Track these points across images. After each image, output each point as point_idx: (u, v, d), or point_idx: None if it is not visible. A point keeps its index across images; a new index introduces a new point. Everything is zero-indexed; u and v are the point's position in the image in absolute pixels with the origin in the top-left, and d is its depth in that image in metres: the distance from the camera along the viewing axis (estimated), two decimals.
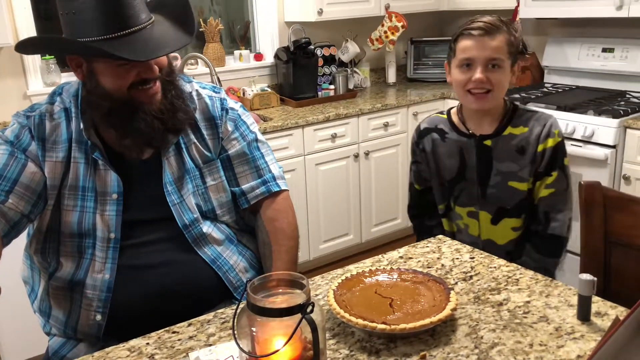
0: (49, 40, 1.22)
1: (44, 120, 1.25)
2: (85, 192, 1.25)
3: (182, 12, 1.25)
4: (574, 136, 2.58)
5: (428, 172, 1.68)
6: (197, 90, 1.38)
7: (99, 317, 1.25)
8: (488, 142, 1.56)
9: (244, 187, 1.40)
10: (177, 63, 2.99)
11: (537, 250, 1.57)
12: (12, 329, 2.28)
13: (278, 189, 1.42)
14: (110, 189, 1.25)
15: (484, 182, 1.58)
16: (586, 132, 2.53)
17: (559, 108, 2.67)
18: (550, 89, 3.10)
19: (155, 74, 1.21)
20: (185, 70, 3.08)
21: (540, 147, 1.52)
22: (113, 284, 1.25)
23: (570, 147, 2.58)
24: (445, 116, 1.65)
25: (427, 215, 1.74)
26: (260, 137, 1.45)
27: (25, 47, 1.19)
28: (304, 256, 3.03)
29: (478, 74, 1.46)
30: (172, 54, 2.85)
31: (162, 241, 1.29)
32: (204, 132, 1.35)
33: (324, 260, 3.14)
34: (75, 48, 1.18)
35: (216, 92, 1.41)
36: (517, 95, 2.88)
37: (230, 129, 1.39)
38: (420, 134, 1.68)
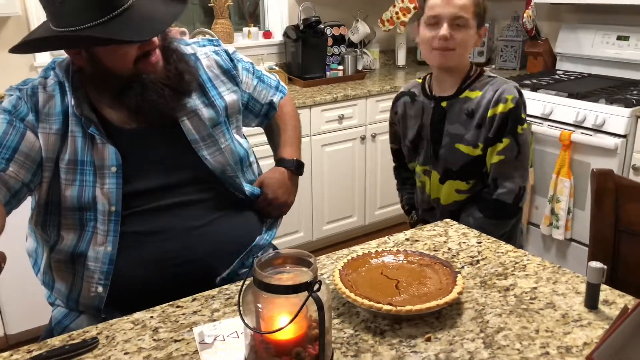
0: (46, 40, 1.19)
1: (36, 92, 1.24)
2: (84, 166, 1.24)
3: None
4: (584, 124, 2.55)
5: (400, 133, 1.77)
6: (199, 50, 1.40)
7: (100, 289, 1.25)
8: (444, 104, 1.61)
9: (268, 102, 1.54)
10: (185, 38, 2.96)
11: (479, 209, 1.60)
12: (15, 299, 2.29)
13: (286, 92, 1.62)
14: (108, 162, 1.24)
15: (436, 142, 1.63)
16: (597, 120, 2.50)
17: (570, 95, 2.64)
18: (562, 76, 3.06)
19: (156, 44, 1.21)
20: None
21: (490, 113, 1.53)
22: (115, 256, 1.25)
23: (579, 136, 2.56)
24: (420, 80, 1.71)
25: (403, 168, 1.87)
26: (249, 60, 1.55)
27: (23, 47, 1.18)
28: (307, 236, 3.03)
29: (443, 30, 1.49)
30: (181, 29, 2.81)
31: (161, 210, 1.28)
32: (218, 88, 1.39)
33: (327, 242, 3.14)
34: (76, 42, 1.16)
35: (216, 45, 1.46)
36: (527, 82, 2.84)
37: (249, 78, 1.49)
38: (397, 97, 1.77)
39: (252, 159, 1.50)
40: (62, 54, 1.26)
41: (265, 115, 1.58)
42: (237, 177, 1.38)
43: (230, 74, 1.42)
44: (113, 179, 1.24)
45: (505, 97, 1.52)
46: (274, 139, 1.58)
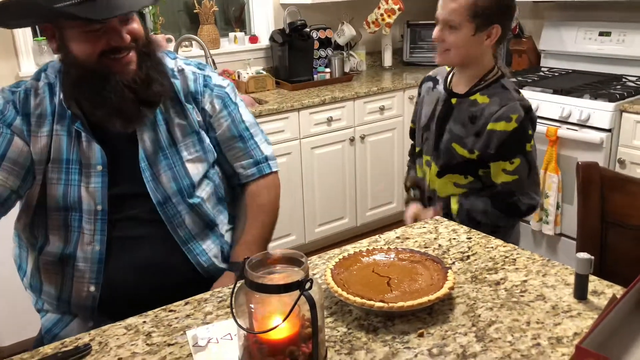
0: (18, 4, 1.18)
1: (29, 96, 1.24)
2: (69, 164, 1.24)
3: None
4: (570, 120, 2.58)
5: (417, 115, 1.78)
6: (180, 66, 1.36)
7: (92, 288, 1.25)
8: (453, 101, 1.62)
9: (236, 167, 1.42)
10: (171, 45, 2.96)
11: (490, 198, 1.58)
12: (5, 311, 2.27)
13: (269, 171, 1.44)
14: (94, 160, 1.24)
15: (439, 136, 1.64)
16: (582, 115, 2.53)
17: (555, 92, 2.67)
18: (547, 72, 3.09)
19: (126, 42, 1.19)
20: (179, 52, 3.05)
21: (489, 126, 1.51)
22: (104, 255, 1.24)
23: (565, 131, 2.58)
24: (448, 68, 1.71)
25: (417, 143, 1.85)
26: (248, 117, 1.43)
27: None
28: (299, 239, 3.03)
29: (434, 33, 1.55)
30: (167, 36, 2.78)
31: (145, 217, 1.28)
32: (186, 105, 1.33)
33: (320, 244, 3.15)
34: (35, 11, 1.14)
35: (200, 69, 1.39)
36: (513, 80, 2.86)
37: (218, 107, 1.38)
38: (424, 79, 1.78)
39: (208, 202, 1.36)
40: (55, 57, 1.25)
41: (229, 181, 1.44)
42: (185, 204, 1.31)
43: (194, 97, 1.34)
44: (98, 178, 1.24)
45: (510, 115, 1.49)
46: (236, 231, 1.42)
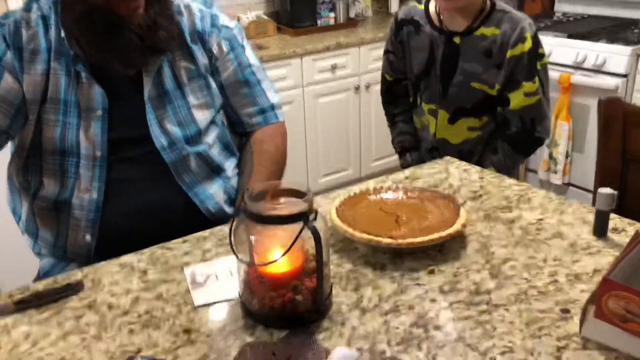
0: None
1: (19, 29, 1.15)
2: (67, 106, 1.16)
3: None
4: (584, 65, 2.48)
5: (402, 65, 1.65)
6: (185, 2, 1.26)
7: (88, 237, 1.20)
8: (457, 40, 1.51)
9: (241, 115, 1.34)
10: None
11: (514, 148, 1.55)
12: (5, 256, 2.24)
13: (275, 120, 1.36)
14: (94, 104, 1.16)
15: (446, 80, 1.54)
16: (597, 60, 2.42)
17: (570, 36, 2.55)
18: (561, 17, 2.96)
19: None
20: None
21: (509, 53, 1.45)
22: (102, 203, 1.18)
23: (579, 77, 2.48)
24: (422, 7, 1.59)
25: (393, 103, 1.75)
26: (255, 61, 1.35)
27: None
28: None
29: None
30: None
31: (146, 160, 1.21)
32: (192, 46, 1.25)
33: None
34: None
35: (207, 7, 1.30)
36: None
37: (225, 49, 1.29)
38: (398, 25, 1.62)
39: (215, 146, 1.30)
40: None
41: (233, 127, 1.36)
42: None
43: (201, 37, 1.26)
44: (98, 122, 1.16)
45: (524, 35, 1.44)
46: (241, 180, 1.34)
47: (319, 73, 2.85)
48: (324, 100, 2.92)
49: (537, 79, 1.47)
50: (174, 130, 1.21)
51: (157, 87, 1.20)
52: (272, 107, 1.36)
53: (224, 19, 1.30)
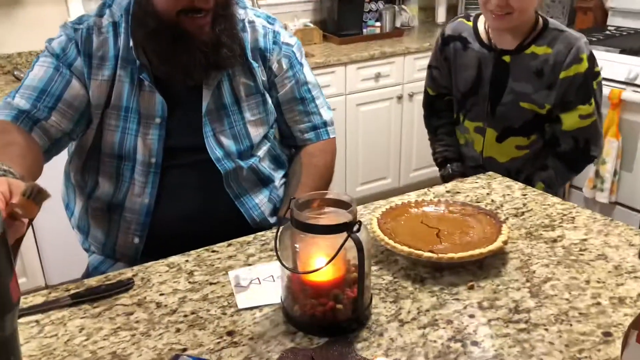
0: None
1: (91, 35, 1.20)
2: (128, 112, 1.21)
3: None
4: (637, 82, 2.41)
5: (446, 80, 1.64)
6: (250, 18, 1.30)
7: (137, 240, 1.25)
8: (507, 58, 1.49)
9: (293, 130, 1.37)
10: None
11: (567, 166, 1.53)
12: (54, 250, 2.34)
13: (327, 137, 1.40)
14: (154, 112, 1.20)
15: (495, 99, 1.52)
16: None
17: (622, 52, 2.50)
18: (614, 31, 2.89)
19: (210, 5, 1.13)
20: None
21: (563, 74, 1.42)
22: (153, 207, 1.23)
23: (630, 94, 2.43)
24: (470, 23, 1.57)
25: (435, 116, 1.74)
26: (312, 78, 1.38)
27: None
28: None
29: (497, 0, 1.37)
30: None
31: (198, 167, 1.25)
32: (252, 62, 1.28)
33: (361, 203, 3.10)
34: None
35: (270, 23, 1.33)
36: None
37: (285, 66, 1.32)
38: (445, 40, 1.60)
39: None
40: None
41: (284, 141, 1.40)
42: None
43: (263, 54, 1.29)
44: (156, 130, 1.21)
45: (580, 57, 1.41)
46: (287, 190, 1.38)
47: (362, 81, 2.87)
48: (366, 108, 2.94)
49: (593, 100, 1.44)
50: (229, 143, 1.25)
51: (215, 100, 1.24)
52: (325, 123, 1.39)
53: (285, 36, 1.33)
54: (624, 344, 0.77)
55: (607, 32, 2.87)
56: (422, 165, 3.20)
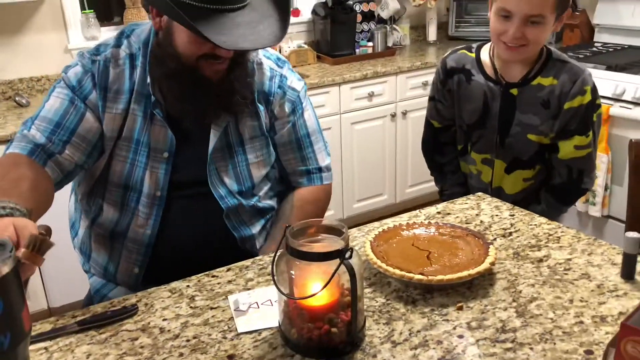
0: None
1: (108, 67, 1.21)
2: (139, 145, 1.23)
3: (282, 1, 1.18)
4: (624, 97, 2.47)
5: (450, 112, 1.62)
6: (259, 59, 1.32)
7: (137, 270, 1.28)
8: (514, 91, 1.49)
9: (289, 172, 1.40)
10: None
11: (558, 199, 1.55)
12: (57, 273, 2.38)
13: (320, 183, 1.41)
14: (164, 146, 1.23)
15: (503, 131, 1.52)
16: (637, 93, 2.42)
17: (609, 68, 2.56)
18: (601, 48, 2.96)
19: (230, 54, 1.17)
20: None
21: (567, 105, 1.44)
22: (154, 239, 1.26)
23: (618, 109, 2.48)
24: (473, 55, 1.55)
25: (438, 152, 1.71)
26: (313, 123, 1.39)
27: None
28: (337, 214, 3.04)
29: (514, 30, 1.35)
30: None
31: (200, 199, 1.28)
32: (258, 105, 1.31)
33: (358, 220, 3.15)
34: (167, 9, 1.10)
35: (279, 66, 1.34)
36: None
37: (287, 110, 1.34)
38: (447, 73, 1.58)
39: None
40: (110, 32, 1.24)
41: (281, 179, 1.41)
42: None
43: (267, 98, 1.31)
44: (164, 164, 1.24)
45: (584, 88, 1.43)
46: (274, 228, 1.39)
47: (356, 100, 2.93)
48: (360, 127, 2.99)
49: (590, 132, 1.46)
50: (230, 183, 1.29)
51: (221, 140, 1.27)
52: (320, 169, 1.41)
53: (292, 80, 1.35)
54: None
55: (594, 49, 2.94)
56: (418, 181, 3.25)
